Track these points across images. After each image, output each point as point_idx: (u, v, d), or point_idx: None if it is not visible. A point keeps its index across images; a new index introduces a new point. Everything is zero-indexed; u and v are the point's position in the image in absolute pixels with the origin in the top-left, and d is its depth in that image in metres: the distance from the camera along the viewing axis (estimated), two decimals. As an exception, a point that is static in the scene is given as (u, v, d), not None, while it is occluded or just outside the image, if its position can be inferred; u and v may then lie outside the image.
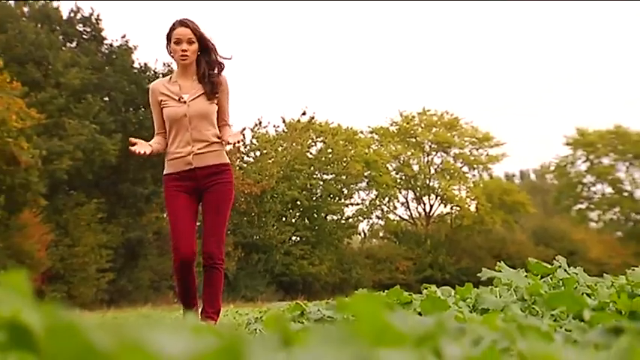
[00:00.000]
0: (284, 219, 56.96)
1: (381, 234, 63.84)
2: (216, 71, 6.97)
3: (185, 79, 6.96)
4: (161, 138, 7.05)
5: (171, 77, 7.11)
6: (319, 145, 59.98)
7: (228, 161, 7.20)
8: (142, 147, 6.73)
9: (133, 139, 6.82)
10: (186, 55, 6.80)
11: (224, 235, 7.09)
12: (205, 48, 6.91)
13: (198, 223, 7.29)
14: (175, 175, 6.92)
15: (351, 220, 61.36)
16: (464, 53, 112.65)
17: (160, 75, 42.58)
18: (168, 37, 6.90)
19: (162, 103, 6.91)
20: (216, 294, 6.89)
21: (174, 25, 6.86)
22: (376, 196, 62.49)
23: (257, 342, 0.99)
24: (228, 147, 7.29)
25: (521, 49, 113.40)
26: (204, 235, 6.93)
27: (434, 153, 63.94)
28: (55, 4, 50.51)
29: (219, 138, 6.99)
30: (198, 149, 6.83)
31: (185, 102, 6.84)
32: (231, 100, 7.10)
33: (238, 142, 7.15)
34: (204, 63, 6.91)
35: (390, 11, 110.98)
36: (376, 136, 64.25)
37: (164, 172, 7.03)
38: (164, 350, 0.87)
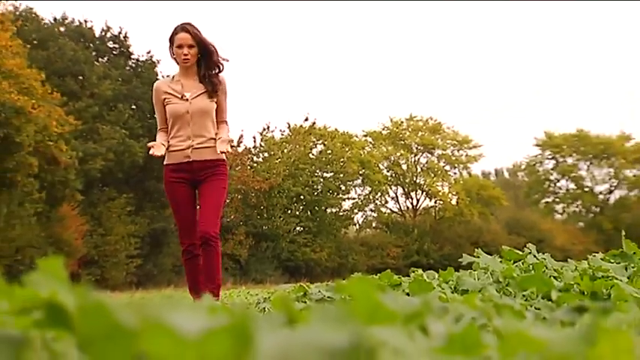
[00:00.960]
0: (289, 211, 56.95)
1: (373, 224, 63.83)
2: (215, 72, 6.90)
3: (187, 79, 6.89)
4: (164, 134, 6.93)
5: (174, 77, 7.00)
6: (320, 147, 60.04)
7: (224, 157, 7.07)
8: (158, 150, 6.64)
9: (150, 144, 6.73)
10: (188, 58, 6.74)
11: (218, 218, 6.94)
12: (205, 51, 6.82)
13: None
14: (174, 166, 6.85)
15: (347, 212, 61.42)
16: (447, 65, 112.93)
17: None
18: (171, 40, 6.85)
19: (166, 100, 6.84)
20: (214, 270, 6.77)
21: (176, 30, 6.77)
22: (370, 192, 62.55)
23: (265, 320, 0.99)
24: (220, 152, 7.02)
25: (497, 62, 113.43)
26: (200, 219, 6.82)
27: (420, 154, 64.02)
28: (88, 24, 50.50)
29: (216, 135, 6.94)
30: (197, 144, 6.78)
31: (187, 99, 6.78)
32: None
33: (227, 151, 6.94)
34: (204, 64, 6.84)
35: (381, 31, 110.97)
36: (369, 139, 64.34)
37: (165, 162, 6.94)
38: (182, 327, 0.87)
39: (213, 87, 6.83)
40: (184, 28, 6.76)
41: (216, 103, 6.91)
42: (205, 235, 6.66)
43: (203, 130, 6.81)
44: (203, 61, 6.84)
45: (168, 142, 6.87)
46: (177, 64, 6.92)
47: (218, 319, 0.90)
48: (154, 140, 6.86)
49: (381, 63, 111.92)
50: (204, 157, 6.81)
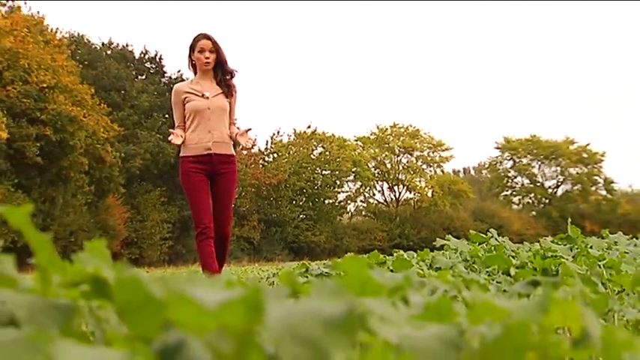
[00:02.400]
0: (294, 202, 57.05)
1: (363, 213, 63.85)
2: (229, 77, 6.66)
3: (205, 81, 6.61)
4: (182, 130, 6.63)
5: (192, 80, 6.73)
6: (319, 149, 60.21)
7: (234, 153, 6.81)
8: (177, 139, 6.41)
9: (171, 131, 6.54)
10: (209, 62, 6.50)
11: (231, 212, 6.77)
12: (221, 58, 6.60)
13: None
14: (194, 158, 6.51)
15: (342, 203, 61.57)
16: (424, 80, 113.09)
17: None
18: (193, 47, 6.54)
19: (186, 99, 6.55)
20: (224, 259, 6.65)
21: (198, 37, 6.54)
22: (360, 186, 62.73)
23: (273, 292, 0.97)
24: (241, 146, 6.90)
25: (467, 77, 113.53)
26: (216, 214, 6.55)
27: (401, 155, 64.12)
28: (130, 47, 50.51)
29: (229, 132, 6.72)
30: (218, 138, 6.51)
31: (208, 98, 6.52)
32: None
33: (249, 143, 6.72)
34: (220, 70, 6.60)
35: (368, 53, 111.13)
36: (360, 143, 64.46)
37: (181, 155, 6.64)
38: (203, 299, 0.86)
39: (228, 89, 6.61)
40: (206, 35, 6.54)
41: (230, 104, 6.67)
42: (223, 234, 6.53)
43: (222, 126, 6.56)
44: (220, 67, 6.59)
45: (185, 137, 6.63)
46: (195, 69, 6.66)
47: (234, 291, 0.89)
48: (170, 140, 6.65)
49: (370, 79, 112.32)
50: (222, 150, 6.55)
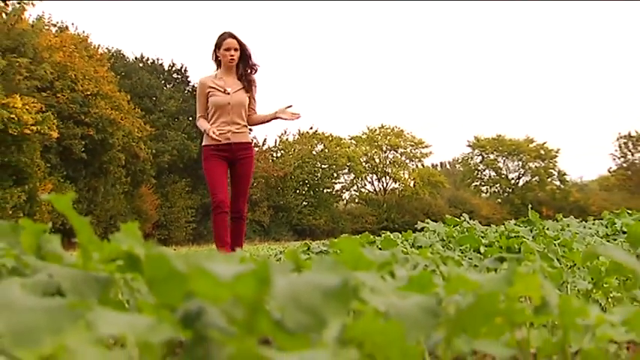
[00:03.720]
0: (297, 191, 57.04)
1: (356, 200, 63.74)
2: (250, 72, 6.35)
3: (228, 77, 6.30)
4: (205, 120, 6.33)
5: (216, 75, 6.37)
6: (319, 147, 60.21)
7: (252, 141, 6.57)
8: (215, 135, 6.09)
9: (209, 129, 6.13)
10: (234, 59, 6.19)
11: (248, 195, 6.49)
12: (244, 55, 6.29)
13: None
14: (215, 147, 6.21)
15: (338, 192, 61.46)
16: (409, 87, 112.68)
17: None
18: (219, 44, 6.24)
19: (210, 93, 6.26)
20: (240, 236, 6.34)
21: (224, 36, 6.23)
22: (353, 178, 62.69)
23: (279, 267, 0.96)
24: (286, 117, 6.40)
25: (445, 84, 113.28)
26: (235, 196, 6.30)
27: (388, 151, 64.02)
28: (159, 61, 50.47)
29: (248, 122, 6.43)
30: (236, 129, 6.24)
31: (229, 93, 6.22)
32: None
33: (294, 119, 6.41)
34: (242, 66, 6.29)
35: (359, 62, 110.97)
36: (353, 141, 64.39)
37: (204, 144, 6.35)
38: (220, 272, 0.85)
39: (249, 84, 6.32)
40: (232, 35, 6.24)
41: (249, 97, 6.35)
42: (239, 212, 6.25)
43: (240, 118, 6.28)
44: (242, 63, 6.29)
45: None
46: (219, 64, 6.33)
47: (246, 266, 0.88)
48: (198, 129, 6.47)
49: (362, 86, 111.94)
50: (240, 139, 6.27)
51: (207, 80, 6.34)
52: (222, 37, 6.24)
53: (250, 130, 6.72)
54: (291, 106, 6.40)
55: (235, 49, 6.21)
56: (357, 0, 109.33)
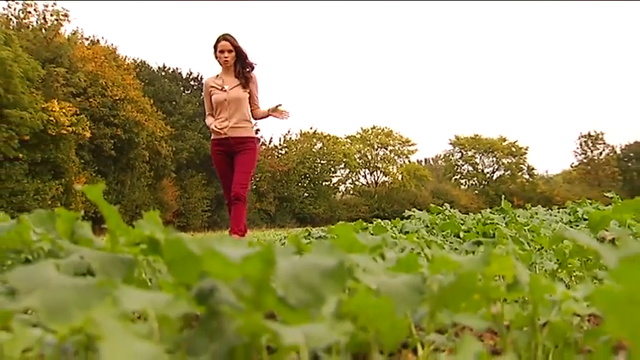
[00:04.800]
0: (300, 184, 57.02)
1: (351, 192, 63.69)
2: (248, 70, 6.07)
3: (227, 76, 6.07)
4: (212, 117, 6.13)
5: (218, 75, 6.16)
6: (319, 145, 60.21)
7: (254, 135, 6.26)
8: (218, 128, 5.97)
9: (214, 123, 6.03)
10: (227, 60, 5.96)
11: (247, 182, 6.13)
12: (240, 55, 6.03)
13: None
14: (216, 141, 6.07)
15: (335, 184, 61.45)
16: (398, 91, 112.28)
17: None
18: (215, 47, 6.04)
19: (212, 92, 6.07)
20: (240, 218, 6.05)
21: (218, 39, 6.02)
22: (348, 172, 62.62)
23: (282, 249, 0.96)
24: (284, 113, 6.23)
25: (426, 88, 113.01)
26: (234, 182, 5.99)
27: (379, 149, 63.97)
28: (179, 70, 50.35)
29: (249, 118, 6.18)
30: (234, 124, 5.99)
31: (226, 90, 6.01)
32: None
33: (285, 117, 6.21)
34: (239, 64, 6.03)
35: (355, 67, 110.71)
36: (349, 140, 64.31)
37: (211, 138, 6.21)
38: (230, 254, 0.84)
39: (246, 81, 6.05)
40: (225, 37, 6.02)
41: (249, 93, 6.09)
42: (236, 195, 5.97)
43: (238, 113, 6.03)
44: (238, 62, 6.05)
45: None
46: (220, 64, 6.13)
47: (253, 249, 0.87)
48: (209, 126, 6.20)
49: (357, 91, 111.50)
50: (237, 134, 6.02)
51: (210, 80, 6.20)
52: (217, 40, 6.06)
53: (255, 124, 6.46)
54: (280, 105, 6.21)
55: (229, 51, 6.01)
56: (343, 5, 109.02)
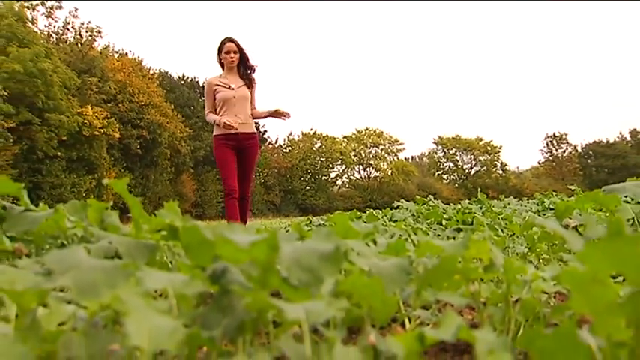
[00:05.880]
0: (302, 179, 56.96)
1: (347, 186, 63.63)
2: (250, 71, 5.74)
3: (231, 76, 5.69)
4: (214, 114, 5.68)
5: (221, 75, 5.74)
6: (318, 144, 60.16)
7: (256, 132, 5.84)
8: (230, 123, 5.51)
9: (225, 120, 5.52)
10: (233, 60, 5.61)
11: (252, 178, 5.83)
12: (243, 57, 5.69)
13: None
14: (224, 137, 5.60)
15: (333, 179, 61.45)
16: (388, 95, 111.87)
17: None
18: (220, 48, 5.70)
19: (217, 90, 5.64)
20: (245, 214, 5.77)
21: (224, 41, 5.68)
22: (345, 168, 62.54)
23: (286, 236, 0.95)
24: (274, 113, 5.80)
25: (413, 92, 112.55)
26: (240, 181, 5.67)
27: (372, 148, 63.80)
28: (196, 79, 50.27)
29: (252, 115, 5.77)
30: (241, 120, 5.59)
31: (233, 89, 5.63)
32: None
33: (287, 117, 5.81)
34: (243, 66, 5.70)
35: (351, 72, 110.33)
36: (345, 140, 64.19)
37: (215, 134, 5.74)
38: (239, 240, 0.83)
39: (250, 81, 5.72)
40: (231, 39, 5.70)
41: (251, 93, 5.75)
42: (244, 195, 5.66)
43: (243, 111, 5.67)
44: (242, 64, 5.72)
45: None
46: (223, 65, 5.75)
47: (260, 235, 0.86)
48: (212, 124, 5.79)
49: (352, 95, 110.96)
50: (246, 130, 5.65)
51: (214, 79, 5.79)
52: (223, 42, 5.73)
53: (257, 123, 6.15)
54: (278, 109, 5.82)
55: (234, 52, 5.68)
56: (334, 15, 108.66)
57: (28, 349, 0.66)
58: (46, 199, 28.57)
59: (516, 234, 3.24)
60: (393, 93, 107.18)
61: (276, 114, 5.80)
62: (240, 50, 5.72)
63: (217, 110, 5.74)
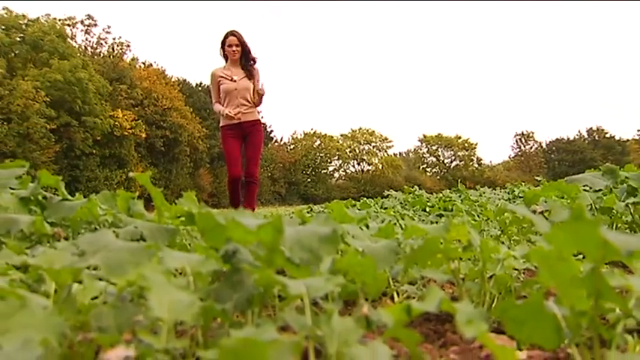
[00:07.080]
0: (304, 172, 56.86)
1: (343, 178, 63.57)
2: (251, 63, 5.37)
3: (233, 68, 5.35)
4: (220, 105, 5.40)
5: (224, 67, 5.41)
6: (318, 142, 60.08)
7: (260, 118, 5.48)
8: (231, 114, 5.27)
9: (227, 110, 5.30)
10: (235, 53, 5.26)
11: (258, 162, 5.47)
12: (245, 49, 5.34)
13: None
14: (229, 126, 5.32)
15: (331, 172, 61.36)
16: (378, 97, 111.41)
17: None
18: (223, 42, 5.35)
19: (220, 81, 5.35)
20: (252, 198, 5.47)
21: (227, 35, 5.35)
22: (341, 163, 62.45)
23: (289, 221, 0.94)
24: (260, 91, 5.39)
25: (400, 93, 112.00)
26: (247, 161, 5.41)
27: (365, 145, 63.72)
28: (212, 86, 49.94)
29: (253, 103, 5.40)
30: (244, 110, 5.30)
31: (235, 81, 5.31)
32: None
33: (263, 90, 5.38)
34: (244, 58, 5.34)
35: (346, 76, 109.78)
36: (341, 138, 64.08)
37: (221, 124, 5.46)
38: (248, 224, 0.82)
39: (250, 73, 5.34)
40: (233, 33, 5.37)
41: (252, 84, 5.36)
42: (251, 176, 5.36)
43: (246, 101, 5.33)
44: (244, 56, 5.35)
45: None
46: (226, 58, 5.42)
47: (266, 220, 0.85)
48: (218, 112, 5.47)
49: (348, 97, 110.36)
50: (248, 118, 5.32)
51: (218, 71, 5.46)
52: (226, 36, 5.40)
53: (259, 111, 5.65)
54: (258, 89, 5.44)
55: (237, 45, 5.33)
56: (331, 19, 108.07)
57: (64, 319, 0.66)
58: (83, 190, 28.61)
59: (490, 219, 3.23)
60: (384, 96, 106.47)
61: (258, 94, 5.42)
62: (242, 43, 5.39)
63: (222, 100, 5.46)
